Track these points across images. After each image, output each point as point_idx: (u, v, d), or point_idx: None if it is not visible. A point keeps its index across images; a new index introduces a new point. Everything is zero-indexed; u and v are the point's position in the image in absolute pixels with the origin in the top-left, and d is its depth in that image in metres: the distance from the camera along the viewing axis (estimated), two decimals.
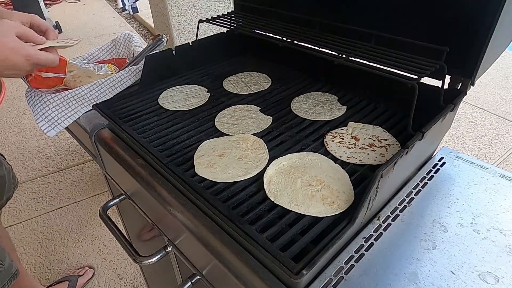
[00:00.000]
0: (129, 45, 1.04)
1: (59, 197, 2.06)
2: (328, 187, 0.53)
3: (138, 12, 3.96)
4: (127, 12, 3.84)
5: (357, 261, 0.48)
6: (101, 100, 0.82)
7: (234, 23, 0.88)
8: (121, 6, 3.79)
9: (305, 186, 0.54)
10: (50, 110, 0.79)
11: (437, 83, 0.62)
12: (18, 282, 1.24)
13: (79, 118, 0.82)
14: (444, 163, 0.66)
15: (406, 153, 0.51)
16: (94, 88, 0.84)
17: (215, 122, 0.71)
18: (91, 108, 0.81)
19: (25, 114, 2.82)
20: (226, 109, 0.75)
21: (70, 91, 0.81)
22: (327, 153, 0.61)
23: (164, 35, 0.98)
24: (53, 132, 0.80)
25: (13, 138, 2.54)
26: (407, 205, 0.57)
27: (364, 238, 0.51)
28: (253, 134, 0.67)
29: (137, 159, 0.66)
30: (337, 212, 0.49)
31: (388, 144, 0.62)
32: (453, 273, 0.46)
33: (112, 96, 0.86)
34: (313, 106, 0.75)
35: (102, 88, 0.86)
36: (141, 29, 4.53)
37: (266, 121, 0.71)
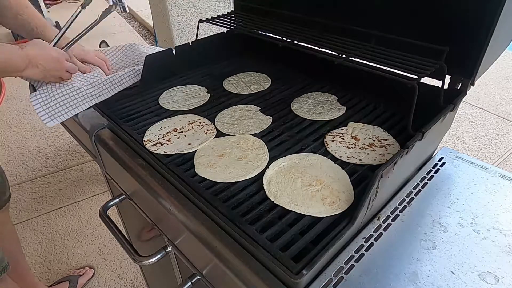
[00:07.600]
0: (135, 53, 1.03)
1: (59, 197, 2.06)
2: (328, 187, 0.53)
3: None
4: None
5: (357, 261, 0.48)
6: (101, 96, 0.82)
7: (234, 23, 0.88)
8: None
9: (305, 186, 0.54)
10: (52, 102, 0.80)
11: (437, 83, 0.62)
12: (22, 279, 1.25)
13: (79, 118, 0.82)
14: (444, 163, 0.66)
15: (406, 153, 0.51)
16: (96, 85, 0.85)
17: (215, 122, 0.71)
18: (91, 105, 0.81)
19: (25, 114, 2.81)
20: (226, 109, 0.75)
21: (71, 86, 0.81)
22: (327, 153, 0.61)
23: (113, 5, 0.98)
24: (51, 123, 0.80)
25: (13, 138, 2.54)
26: (407, 205, 0.57)
27: (364, 238, 0.51)
28: (253, 134, 0.67)
29: (137, 159, 0.66)
30: (337, 212, 0.49)
31: (388, 144, 0.62)
32: (453, 273, 0.46)
33: (112, 93, 0.86)
34: (313, 106, 0.75)
35: (103, 86, 0.86)
36: (141, 29, 4.53)
37: (266, 121, 0.71)
